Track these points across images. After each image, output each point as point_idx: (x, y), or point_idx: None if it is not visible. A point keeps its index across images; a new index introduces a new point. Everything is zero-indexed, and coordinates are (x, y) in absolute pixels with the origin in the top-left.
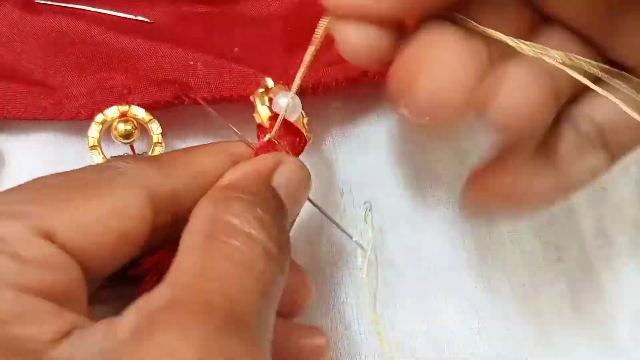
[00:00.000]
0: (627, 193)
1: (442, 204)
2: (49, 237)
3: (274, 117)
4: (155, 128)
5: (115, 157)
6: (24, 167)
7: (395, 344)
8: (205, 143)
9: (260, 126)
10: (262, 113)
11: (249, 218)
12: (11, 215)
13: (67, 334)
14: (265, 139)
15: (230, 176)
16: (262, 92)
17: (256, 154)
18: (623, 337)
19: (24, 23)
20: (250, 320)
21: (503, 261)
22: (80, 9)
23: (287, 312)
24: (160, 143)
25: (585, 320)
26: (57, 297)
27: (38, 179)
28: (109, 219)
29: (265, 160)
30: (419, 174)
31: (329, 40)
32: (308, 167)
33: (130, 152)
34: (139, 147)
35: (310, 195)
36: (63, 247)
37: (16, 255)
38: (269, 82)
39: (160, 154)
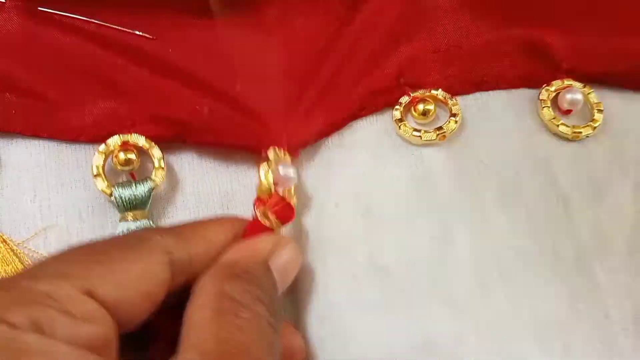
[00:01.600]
0: (625, 193)
1: (438, 206)
2: (91, 295)
3: (275, 194)
4: (156, 153)
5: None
6: (22, 171)
7: (392, 347)
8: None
9: (258, 197)
10: (264, 188)
11: (253, 295)
12: (60, 276)
13: None
14: (258, 214)
15: (233, 255)
16: (267, 164)
17: (248, 230)
18: (620, 337)
19: (28, 35)
20: None
21: (499, 262)
22: (86, 27)
23: None
24: (163, 168)
25: (582, 320)
26: (97, 349)
27: (82, 244)
28: (139, 281)
29: (265, 243)
30: (415, 179)
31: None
32: (303, 177)
33: (131, 179)
34: (142, 171)
35: (306, 207)
36: (103, 303)
37: (67, 312)
38: (270, 154)
39: (178, 224)
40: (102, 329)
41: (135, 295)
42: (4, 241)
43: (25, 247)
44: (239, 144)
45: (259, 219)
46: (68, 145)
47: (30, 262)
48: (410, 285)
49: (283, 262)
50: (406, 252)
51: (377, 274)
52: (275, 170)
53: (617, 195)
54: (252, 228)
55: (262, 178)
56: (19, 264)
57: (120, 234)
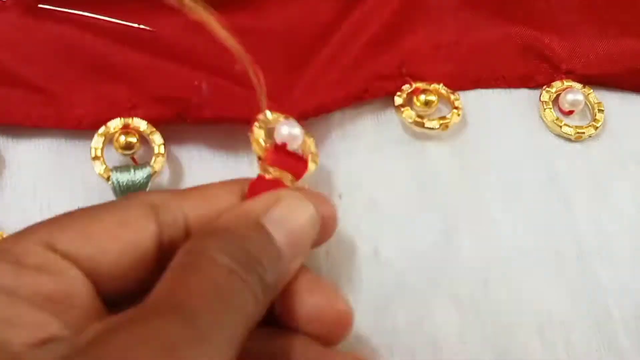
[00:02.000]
0: (626, 192)
1: (441, 203)
2: (52, 248)
3: (271, 148)
4: (156, 139)
5: (116, 166)
6: (24, 169)
7: (395, 344)
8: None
9: (259, 158)
10: (257, 146)
11: (217, 248)
12: (25, 233)
13: (47, 340)
14: (258, 174)
15: (223, 215)
16: (259, 125)
17: (250, 191)
18: (621, 336)
19: (27, 29)
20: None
21: (501, 261)
22: (84, 19)
23: (325, 340)
24: (162, 154)
25: (584, 319)
26: (55, 302)
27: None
28: (111, 229)
29: (259, 200)
30: (418, 174)
31: (329, 60)
32: None
33: (132, 163)
34: (142, 157)
35: None
36: (65, 255)
37: (17, 263)
38: (268, 114)
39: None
40: (64, 280)
41: (110, 245)
42: None
43: None
44: (239, 117)
45: (261, 173)
46: (69, 144)
47: None
48: (414, 280)
49: (281, 216)
50: (409, 246)
51: (380, 266)
52: (277, 129)
53: (618, 194)
54: (256, 186)
55: (255, 136)
56: None
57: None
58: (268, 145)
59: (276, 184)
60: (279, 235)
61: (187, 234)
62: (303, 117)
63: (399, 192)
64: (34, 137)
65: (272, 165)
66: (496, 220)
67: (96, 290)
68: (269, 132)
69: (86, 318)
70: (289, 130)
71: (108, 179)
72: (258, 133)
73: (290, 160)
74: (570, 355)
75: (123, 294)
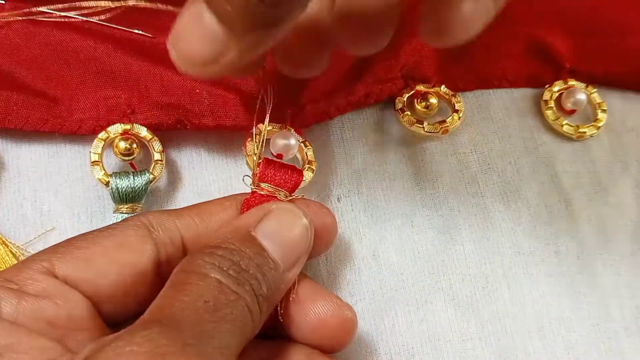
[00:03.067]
0: (627, 191)
1: (440, 204)
2: (52, 274)
3: (264, 163)
4: (156, 146)
5: (116, 172)
6: (24, 173)
7: (395, 345)
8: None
9: (253, 173)
10: (250, 162)
11: (209, 264)
12: (26, 261)
13: None
14: (250, 190)
15: (217, 232)
16: (252, 140)
17: (243, 207)
18: (621, 336)
19: (27, 33)
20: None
21: (501, 261)
22: (84, 24)
23: (330, 348)
24: (162, 161)
25: (584, 319)
26: (57, 327)
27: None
28: (109, 252)
29: (250, 214)
30: (418, 175)
31: (330, 67)
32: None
33: (131, 169)
34: (139, 161)
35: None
36: (65, 280)
37: (18, 291)
38: (262, 126)
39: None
40: (65, 305)
41: (108, 268)
42: (4, 243)
43: (25, 249)
44: (239, 125)
45: (254, 189)
46: (68, 148)
47: None
48: (414, 281)
49: (273, 228)
50: (409, 247)
51: (380, 268)
52: (273, 141)
53: (619, 193)
54: (249, 202)
55: (247, 152)
56: None
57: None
58: (260, 160)
59: (269, 198)
60: (272, 247)
61: (184, 252)
62: (305, 126)
63: (399, 193)
64: (34, 141)
65: (265, 181)
66: (496, 221)
67: (97, 311)
68: (266, 143)
69: (89, 339)
70: (284, 142)
71: (107, 184)
72: (250, 149)
73: (283, 174)
74: (570, 355)
75: (124, 313)
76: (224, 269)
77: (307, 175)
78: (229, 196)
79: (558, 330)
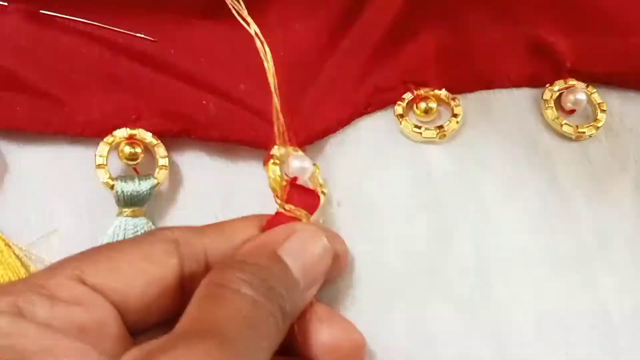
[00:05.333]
0: (625, 192)
1: (440, 205)
2: (82, 281)
3: (288, 185)
4: (161, 152)
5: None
6: (27, 175)
7: (391, 345)
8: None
9: (276, 195)
10: (275, 183)
11: (240, 280)
12: (56, 268)
13: None
14: (276, 210)
15: (243, 247)
16: (274, 161)
17: (267, 225)
18: (620, 336)
19: (32, 35)
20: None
21: (500, 260)
22: (90, 28)
23: None
24: (166, 166)
25: (583, 319)
26: (90, 331)
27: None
28: (136, 263)
29: (275, 232)
30: (417, 177)
31: (331, 79)
32: None
33: (134, 173)
34: (143, 166)
35: None
36: (94, 288)
37: (51, 296)
38: (275, 150)
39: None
40: (95, 312)
41: (135, 279)
42: (8, 245)
43: (28, 251)
44: (245, 140)
45: (279, 210)
46: (72, 150)
47: (32, 266)
48: (413, 282)
49: (297, 248)
50: (409, 248)
51: (380, 269)
52: (288, 163)
53: (618, 193)
54: (273, 221)
55: (270, 174)
56: (22, 268)
57: (112, 229)
58: (284, 181)
59: (292, 219)
60: (295, 266)
61: (207, 267)
62: (309, 142)
63: (399, 195)
64: (38, 142)
65: (289, 202)
66: (496, 221)
67: (122, 320)
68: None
69: (117, 347)
70: (300, 165)
71: (112, 187)
72: (274, 170)
73: (304, 196)
74: (570, 355)
75: (145, 324)
76: (255, 285)
77: (322, 199)
78: (251, 215)
79: (557, 330)
